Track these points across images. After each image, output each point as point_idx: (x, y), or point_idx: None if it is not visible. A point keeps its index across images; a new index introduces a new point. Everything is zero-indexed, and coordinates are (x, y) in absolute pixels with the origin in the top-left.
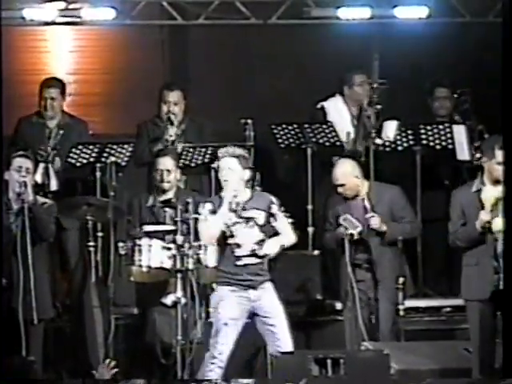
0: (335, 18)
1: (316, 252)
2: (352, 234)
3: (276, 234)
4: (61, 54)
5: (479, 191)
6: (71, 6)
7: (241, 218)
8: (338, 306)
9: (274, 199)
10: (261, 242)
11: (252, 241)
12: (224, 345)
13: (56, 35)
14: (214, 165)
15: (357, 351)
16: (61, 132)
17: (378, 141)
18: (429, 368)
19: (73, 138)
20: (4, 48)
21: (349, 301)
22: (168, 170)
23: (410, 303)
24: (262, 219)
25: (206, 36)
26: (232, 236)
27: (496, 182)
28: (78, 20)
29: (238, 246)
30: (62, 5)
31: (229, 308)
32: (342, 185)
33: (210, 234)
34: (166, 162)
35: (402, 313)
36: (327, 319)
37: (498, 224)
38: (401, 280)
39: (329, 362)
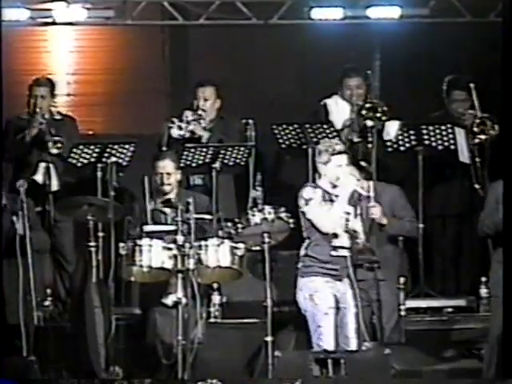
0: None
1: None
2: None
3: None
4: (61, 54)
5: None
6: (72, 6)
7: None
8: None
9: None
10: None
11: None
12: (330, 335)
13: (57, 35)
14: (215, 165)
15: (357, 351)
16: (51, 130)
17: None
18: (429, 368)
19: (64, 137)
20: (4, 48)
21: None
22: (168, 173)
23: (411, 303)
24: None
25: (206, 36)
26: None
27: None
28: (78, 20)
29: (336, 236)
30: (63, 5)
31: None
32: None
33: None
34: (166, 165)
35: (403, 313)
36: None
37: None
38: (402, 280)
39: (329, 362)
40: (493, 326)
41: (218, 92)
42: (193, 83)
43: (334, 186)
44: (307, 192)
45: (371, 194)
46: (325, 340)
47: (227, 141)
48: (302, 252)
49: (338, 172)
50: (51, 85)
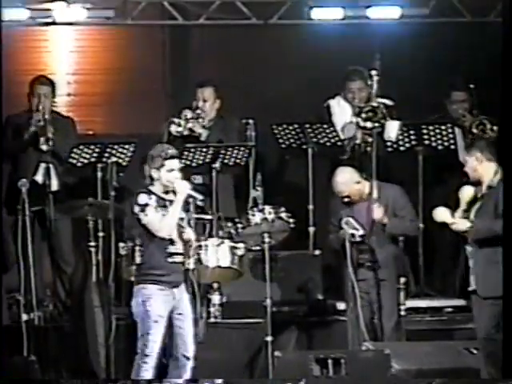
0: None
1: (317, 252)
2: (353, 235)
3: None
4: (62, 54)
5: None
6: (72, 6)
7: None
8: (339, 306)
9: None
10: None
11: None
12: (156, 342)
13: (57, 35)
14: (216, 164)
15: (358, 351)
16: (51, 129)
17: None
18: (430, 368)
19: (61, 136)
20: (4, 48)
21: (350, 301)
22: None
23: (411, 303)
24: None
25: (206, 36)
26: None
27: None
28: (79, 20)
29: (172, 242)
30: (63, 5)
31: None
32: (346, 196)
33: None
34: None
35: (403, 313)
36: (328, 319)
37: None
38: (402, 280)
39: (330, 362)
40: (479, 327)
41: (218, 92)
42: (193, 83)
43: (167, 192)
44: (142, 198)
45: (374, 195)
46: (150, 347)
47: (226, 140)
48: (138, 260)
49: (170, 177)
50: (52, 84)
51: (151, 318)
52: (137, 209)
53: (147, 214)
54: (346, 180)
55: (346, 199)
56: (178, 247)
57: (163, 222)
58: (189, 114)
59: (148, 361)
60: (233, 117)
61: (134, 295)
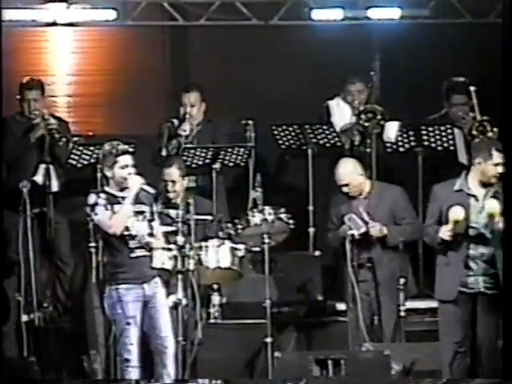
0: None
1: (317, 253)
2: (353, 235)
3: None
4: (62, 54)
5: (461, 191)
6: (72, 7)
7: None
8: (339, 306)
9: (152, 198)
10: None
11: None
12: (133, 344)
13: (57, 36)
14: (215, 165)
15: (357, 352)
16: (45, 131)
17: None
18: (429, 368)
19: (55, 137)
20: (5, 49)
21: (350, 302)
22: (173, 181)
23: (411, 304)
24: (149, 215)
25: (206, 37)
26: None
27: (487, 184)
28: (79, 21)
29: (132, 237)
30: (63, 6)
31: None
32: (346, 184)
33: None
34: (172, 173)
35: (403, 314)
36: (328, 320)
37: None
38: (402, 281)
39: (330, 362)
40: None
41: (203, 96)
42: (193, 83)
43: (122, 189)
44: (91, 198)
45: (365, 217)
46: (127, 349)
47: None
48: (105, 259)
49: (123, 173)
50: (41, 87)
51: (123, 320)
52: (88, 209)
53: (97, 212)
54: (349, 170)
55: (346, 189)
56: (140, 241)
57: (113, 218)
58: (186, 128)
59: (130, 364)
60: (222, 120)
61: (105, 297)
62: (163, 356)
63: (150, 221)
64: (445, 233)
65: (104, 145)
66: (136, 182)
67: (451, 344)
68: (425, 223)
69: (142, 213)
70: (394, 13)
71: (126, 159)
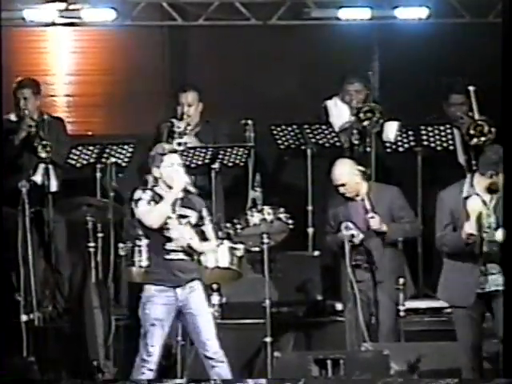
0: (335, 19)
1: (316, 253)
2: (353, 235)
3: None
4: (61, 54)
5: (469, 198)
6: (71, 7)
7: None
8: (338, 306)
9: (204, 203)
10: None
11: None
12: (154, 346)
13: (56, 36)
14: (215, 165)
15: (356, 352)
16: (41, 133)
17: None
18: (429, 368)
19: (51, 136)
20: (4, 49)
21: (349, 302)
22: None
23: (410, 304)
24: (194, 219)
25: (206, 37)
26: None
27: (494, 190)
28: (78, 21)
29: (170, 239)
30: (63, 6)
31: (154, 309)
32: (342, 184)
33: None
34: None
35: (402, 313)
36: (327, 320)
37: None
38: (401, 281)
39: (329, 362)
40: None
41: (200, 95)
42: (193, 83)
43: (170, 188)
44: (137, 193)
45: (367, 204)
46: (148, 350)
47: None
48: (142, 260)
49: (170, 171)
50: (35, 85)
51: (148, 321)
52: (132, 204)
53: (138, 206)
54: (346, 170)
55: (342, 189)
56: (177, 244)
57: (153, 212)
58: (180, 126)
59: (146, 364)
60: (221, 121)
61: (142, 295)
62: (207, 361)
63: (198, 225)
64: (472, 227)
65: (153, 149)
66: (181, 181)
67: (469, 346)
68: (437, 235)
69: (185, 217)
70: (393, 12)
71: (173, 158)
